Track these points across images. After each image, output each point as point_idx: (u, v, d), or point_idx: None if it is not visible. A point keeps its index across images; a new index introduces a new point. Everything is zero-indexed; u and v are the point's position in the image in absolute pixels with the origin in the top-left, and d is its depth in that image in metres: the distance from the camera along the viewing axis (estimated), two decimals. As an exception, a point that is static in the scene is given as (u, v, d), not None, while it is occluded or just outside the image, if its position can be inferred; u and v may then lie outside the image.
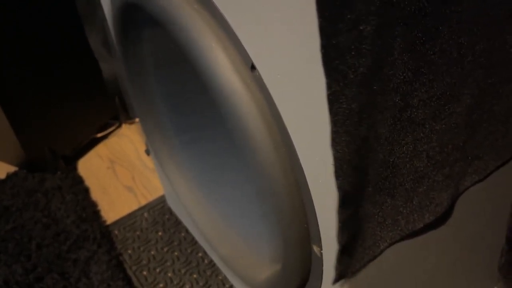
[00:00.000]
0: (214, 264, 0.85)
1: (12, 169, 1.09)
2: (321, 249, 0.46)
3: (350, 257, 0.43)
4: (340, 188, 0.37)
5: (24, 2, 0.93)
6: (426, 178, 0.44)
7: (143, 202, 1.01)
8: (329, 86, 0.32)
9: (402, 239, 0.48)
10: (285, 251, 0.49)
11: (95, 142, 1.19)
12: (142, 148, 1.16)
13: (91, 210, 0.97)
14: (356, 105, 0.34)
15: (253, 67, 0.41)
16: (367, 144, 0.37)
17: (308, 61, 0.33)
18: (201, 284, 0.83)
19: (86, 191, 1.03)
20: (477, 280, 0.72)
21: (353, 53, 0.31)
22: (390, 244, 0.47)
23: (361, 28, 0.31)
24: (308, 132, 0.38)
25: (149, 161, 1.12)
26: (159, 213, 0.97)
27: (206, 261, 0.86)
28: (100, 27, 1.01)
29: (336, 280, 0.44)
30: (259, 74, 0.41)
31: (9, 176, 1.07)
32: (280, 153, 0.43)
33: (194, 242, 0.90)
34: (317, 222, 0.44)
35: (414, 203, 0.45)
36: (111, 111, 1.20)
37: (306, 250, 0.48)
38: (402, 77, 0.36)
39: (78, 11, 0.99)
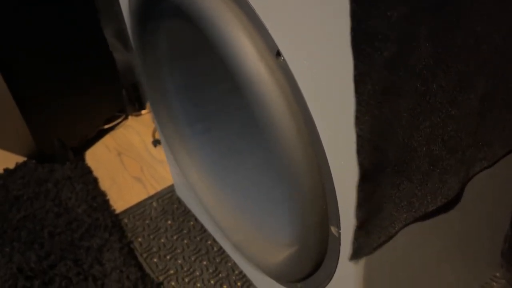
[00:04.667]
0: (224, 251, 0.87)
1: (21, 159, 1.11)
2: (339, 229, 0.48)
3: (367, 236, 0.46)
4: (361, 165, 0.39)
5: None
6: (440, 162, 0.46)
7: (152, 192, 1.02)
8: (356, 67, 0.34)
9: (415, 221, 0.51)
10: (303, 233, 0.51)
11: (102, 134, 1.21)
12: (148, 139, 1.18)
13: (101, 200, 0.99)
14: (380, 87, 0.36)
15: (278, 54, 0.43)
16: (389, 126, 0.39)
17: (334, 45, 0.35)
18: (211, 270, 0.85)
19: (95, 181, 1.05)
20: (479, 266, 0.74)
21: (379, 37, 0.33)
22: (404, 226, 0.50)
23: (389, 14, 0.33)
24: (331, 114, 0.40)
25: (156, 153, 1.14)
26: (168, 202, 0.99)
27: (215, 249, 0.88)
28: (115, 18, 1.02)
29: (352, 257, 0.46)
30: (284, 60, 0.43)
31: (19, 166, 1.08)
32: (303, 137, 0.45)
33: (203, 230, 0.92)
34: (337, 202, 0.46)
35: (428, 185, 0.47)
36: (118, 104, 1.21)
37: (324, 231, 0.50)
38: (424, 63, 0.38)
39: (96, 4, 1.00)
